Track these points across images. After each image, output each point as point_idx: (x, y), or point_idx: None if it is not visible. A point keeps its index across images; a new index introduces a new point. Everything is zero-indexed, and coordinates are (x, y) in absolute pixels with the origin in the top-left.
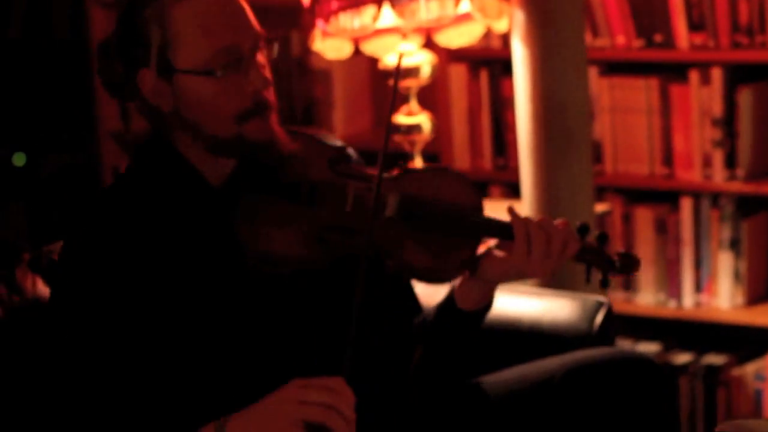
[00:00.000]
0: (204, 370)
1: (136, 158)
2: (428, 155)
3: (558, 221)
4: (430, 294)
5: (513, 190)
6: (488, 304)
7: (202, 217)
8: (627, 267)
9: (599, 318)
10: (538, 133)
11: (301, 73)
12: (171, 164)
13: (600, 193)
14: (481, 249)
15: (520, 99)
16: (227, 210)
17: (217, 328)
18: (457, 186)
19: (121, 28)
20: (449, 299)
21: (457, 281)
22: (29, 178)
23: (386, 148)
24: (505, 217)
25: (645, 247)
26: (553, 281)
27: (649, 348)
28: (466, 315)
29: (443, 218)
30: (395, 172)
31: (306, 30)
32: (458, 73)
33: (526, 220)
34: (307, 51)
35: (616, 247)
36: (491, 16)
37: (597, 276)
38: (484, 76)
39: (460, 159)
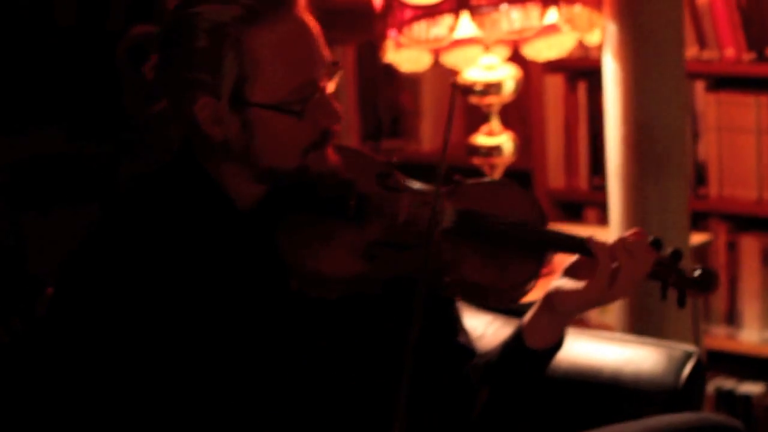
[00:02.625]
0: (237, 403)
1: (160, 174)
2: (518, 173)
3: (632, 233)
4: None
5: None
6: (559, 342)
7: (233, 243)
8: (706, 284)
9: (686, 371)
10: (629, 155)
11: (387, 81)
12: (198, 185)
13: (703, 220)
14: (549, 273)
15: (610, 118)
16: (257, 234)
17: (252, 358)
18: (518, 199)
19: (177, 39)
20: (517, 336)
21: (526, 317)
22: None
23: (444, 161)
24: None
25: (750, 280)
26: (637, 325)
27: (751, 389)
28: (535, 354)
29: (504, 230)
30: (450, 186)
31: (378, 40)
32: (554, 84)
33: (610, 246)
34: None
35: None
36: (581, 27)
37: (673, 295)
38: (582, 89)
39: (554, 178)
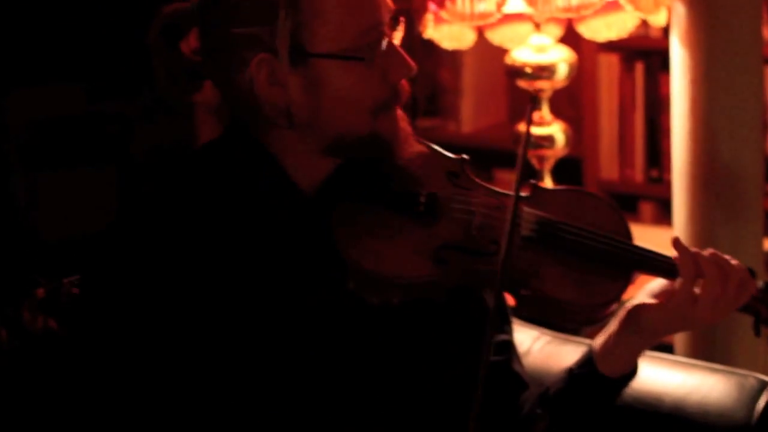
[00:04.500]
0: (278, 406)
1: (208, 152)
2: (566, 161)
3: (725, 256)
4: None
5: (668, 209)
6: (634, 369)
7: (291, 230)
8: None
9: (761, 404)
10: (698, 151)
11: (426, 54)
12: (256, 165)
13: None
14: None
15: (677, 110)
16: (321, 222)
17: (297, 362)
18: (602, 210)
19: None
20: (587, 362)
21: (597, 341)
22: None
23: (523, 167)
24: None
25: None
26: (703, 348)
27: None
28: (609, 382)
29: (590, 243)
30: (527, 191)
31: (418, 13)
32: (609, 65)
33: (696, 255)
34: None
35: None
36: (645, 8)
37: (765, 331)
38: (639, 71)
39: (607, 168)
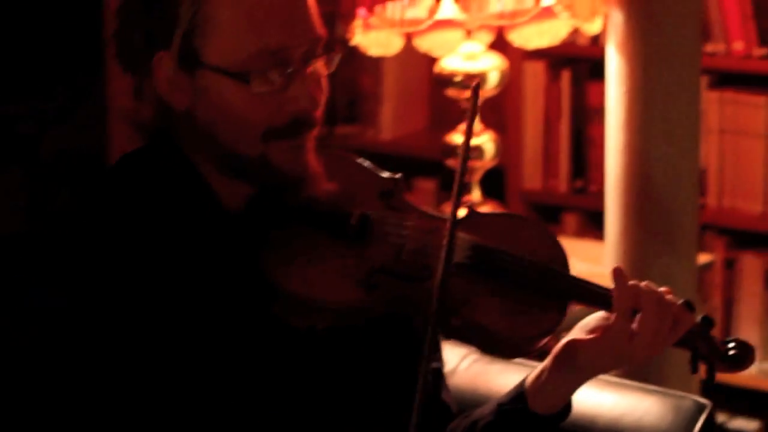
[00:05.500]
0: None
1: (133, 161)
2: (491, 171)
3: (663, 289)
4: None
5: (593, 221)
6: (567, 408)
7: (216, 250)
8: (741, 360)
9: (697, 428)
10: (632, 163)
11: (346, 59)
12: (181, 181)
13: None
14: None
15: (611, 121)
16: (246, 242)
17: (221, 392)
18: (540, 237)
19: None
20: (518, 398)
21: (529, 377)
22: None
23: (461, 188)
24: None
25: (750, 304)
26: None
27: (747, 426)
28: (541, 420)
29: (527, 272)
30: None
31: (346, 18)
32: (534, 73)
33: (633, 288)
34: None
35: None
36: (581, 15)
37: (701, 367)
38: (565, 79)
39: (531, 178)
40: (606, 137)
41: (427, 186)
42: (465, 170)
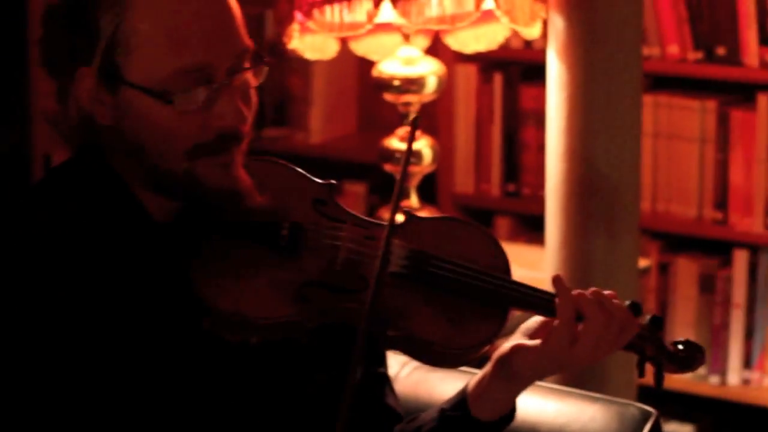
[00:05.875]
0: None
1: (60, 176)
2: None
3: (607, 292)
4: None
5: (525, 224)
6: (511, 412)
7: (145, 264)
8: (690, 361)
9: None
10: (574, 168)
11: (275, 61)
12: (106, 191)
13: None
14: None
15: (552, 126)
16: (175, 257)
17: (150, 406)
18: (479, 241)
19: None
20: (460, 404)
21: (471, 382)
22: None
23: (397, 204)
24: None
25: (685, 308)
26: (579, 375)
27: (680, 430)
28: (483, 427)
29: (464, 280)
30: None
31: (282, 22)
32: (466, 76)
33: (576, 296)
34: (283, 35)
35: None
36: (521, 20)
37: (649, 370)
38: (497, 82)
39: (462, 182)
40: (547, 142)
41: (356, 189)
42: (404, 181)
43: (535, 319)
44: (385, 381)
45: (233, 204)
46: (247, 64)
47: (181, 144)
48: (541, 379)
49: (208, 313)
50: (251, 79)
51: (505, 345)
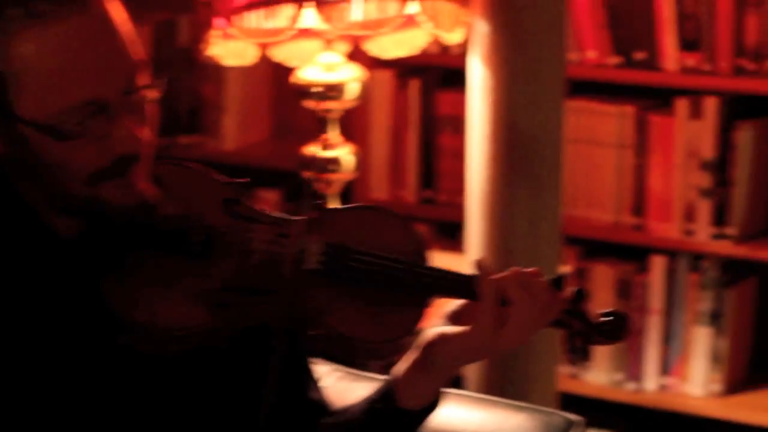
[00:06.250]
0: None
1: None
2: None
3: (529, 270)
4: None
5: (442, 231)
6: (436, 400)
7: (50, 282)
8: (617, 331)
9: None
10: (496, 175)
11: (187, 67)
12: (6, 210)
13: None
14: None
15: (475, 132)
16: (84, 271)
17: (61, 421)
18: (395, 229)
19: None
20: (387, 394)
21: (397, 371)
22: None
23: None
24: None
25: None
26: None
27: None
28: (409, 415)
29: (383, 272)
30: (312, 214)
31: (201, 27)
32: (382, 82)
33: (501, 280)
34: (196, 41)
35: None
36: (443, 25)
37: (577, 344)
38: (414, 88)
39: (378, 188)
40: (468, 148)
41: (270, 197)
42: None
43: (457, 302)
44: (308, 374)
45: (142, 217)
46: (142, 79)
47: (79, 173)
48: (467, 364)
49: (123, 326)
50: (149, 93)
51: (428, 332)
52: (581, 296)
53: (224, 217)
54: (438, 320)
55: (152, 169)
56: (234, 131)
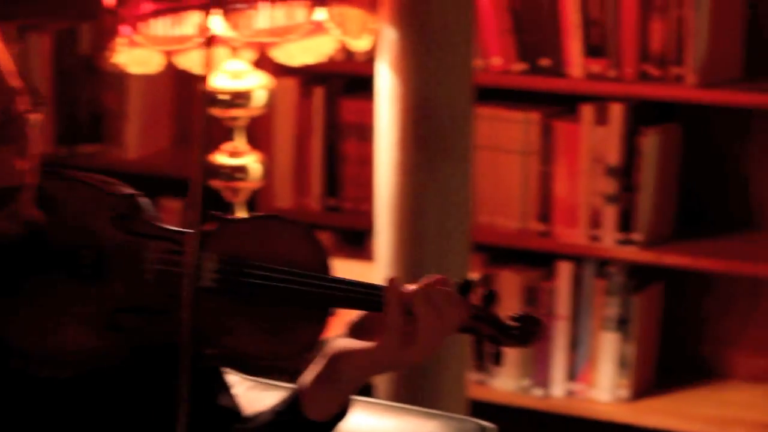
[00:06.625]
0: None
1: None
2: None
3: (434, 279)
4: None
5: (347, 239)
6: (343, 410)
7: None
8: (529, 335)
9: None
10: (405, 182)
11: (88, 75)
12: None
13: None
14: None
15: (383, 140)
16: None
17: None
18: (297, 238)
19: None
20: (293, 404)
21: (303, 382)
22: None
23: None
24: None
25: None
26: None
27: None
28: (314, 426)
29: (280, 286)
30: (209, 226)
31: (105, 35)
32: (286, 89)
33: (406, 294)
34: (97, 49)
35: None
36: (351, 32)
37: (489, 350)
38: (318, 95)
39: (282, 196)
40: (376, 156)
41: (173, 205)
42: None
43: (362, 313)
44: (219, 380)
45: (30, 244)
46: (21, 104)
47: None
48: (369, 378)
49: (13, 353)
50: (30, 116)
51: (334, 344)
52: (491, 299)
53: (117, 234)
54: (343, 329)
55: (39, 191)
56: (136, 140)
